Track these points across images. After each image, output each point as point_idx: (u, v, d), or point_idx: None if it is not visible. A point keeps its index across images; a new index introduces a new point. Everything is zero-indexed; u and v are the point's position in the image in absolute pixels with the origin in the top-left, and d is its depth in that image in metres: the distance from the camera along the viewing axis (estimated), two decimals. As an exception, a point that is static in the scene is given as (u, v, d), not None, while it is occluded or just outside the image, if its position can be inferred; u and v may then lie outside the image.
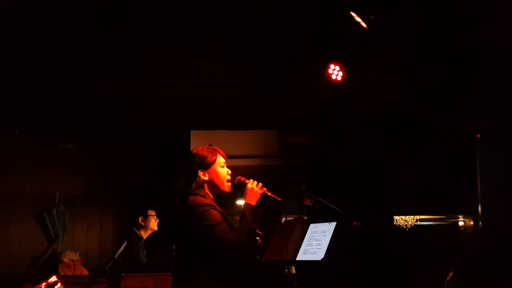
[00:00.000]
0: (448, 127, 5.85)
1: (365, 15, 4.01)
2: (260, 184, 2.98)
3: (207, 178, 2.93)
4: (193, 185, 2.90)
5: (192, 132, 6.20)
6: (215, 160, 2.96)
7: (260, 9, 4.03)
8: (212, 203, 2.85)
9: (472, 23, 4.12)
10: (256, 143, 6.35)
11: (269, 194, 3.00)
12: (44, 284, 4.40)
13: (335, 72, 4.78)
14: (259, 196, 2.95)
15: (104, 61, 4.72)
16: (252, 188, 2.94)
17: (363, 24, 4.04)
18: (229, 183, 2.99)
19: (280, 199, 3.01)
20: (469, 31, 4.21)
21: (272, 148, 6.34)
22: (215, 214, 2.78)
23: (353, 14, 4.02)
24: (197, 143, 5.75)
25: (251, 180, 2.99)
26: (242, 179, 3.00)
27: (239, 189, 3.00)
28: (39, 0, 3.85)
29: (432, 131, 5.96)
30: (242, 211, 2.87)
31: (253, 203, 2.90)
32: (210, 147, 3.04)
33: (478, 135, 5.86)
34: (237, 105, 5.71)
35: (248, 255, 2.96)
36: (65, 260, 5.92)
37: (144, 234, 5.30)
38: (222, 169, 2.98)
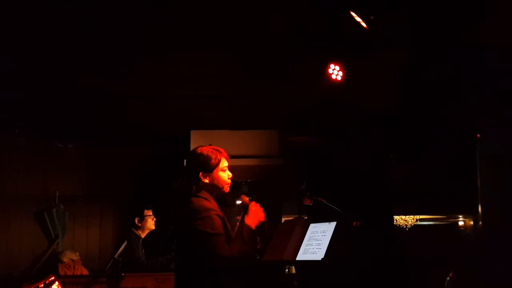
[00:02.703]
0: (448, 127, 5.85)
1: (365, 15, 4.00)
2: (261, 209, 2.90)
3: (208, 181, 2.87)
4: (194, 187, 2.84)
5: (192, 132, 6.20)
6: (218, 163, 2.88)
7: (260, 9, 4.02)
8: (216, 207, 2.80)
9: (472, 23, 4.11)
10: (256, 143, 6.34)
11: (266, 225, 2.93)
12: (42, 283, 4.41)
13: (335, 72, 4.78)
14: (260, 221, 2.88)
15: (104, 61, 4.72)
16: (255, 211, 2.87)
17: (363, 24, 4.04)
18: (228, 185, 2.93)
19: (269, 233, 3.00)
20: (469, 31, 4.21)
21: (272, 148, 6.34)
22: (217, 223, 2.72)
23: (353, 14, 4.01)
24: (197, 143, 5.72)
25: (254, 202, 2.92)
26: (246, 200, 2.93)
27: (242, 206, 2.93)
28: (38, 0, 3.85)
29: (432, 131, 5.96)
30: (241, 227, 2.80)
31: (253, 226, 2.83)
32: (215, 148, 2.96)
33: (478, 135, 5.86)
34: (237, 105, 5.70)
35: (235, 271, 2.84)
36: (65, 260, 5.91)
37: (142, 234, 5.32)
38: (223, 174, 2.91)
